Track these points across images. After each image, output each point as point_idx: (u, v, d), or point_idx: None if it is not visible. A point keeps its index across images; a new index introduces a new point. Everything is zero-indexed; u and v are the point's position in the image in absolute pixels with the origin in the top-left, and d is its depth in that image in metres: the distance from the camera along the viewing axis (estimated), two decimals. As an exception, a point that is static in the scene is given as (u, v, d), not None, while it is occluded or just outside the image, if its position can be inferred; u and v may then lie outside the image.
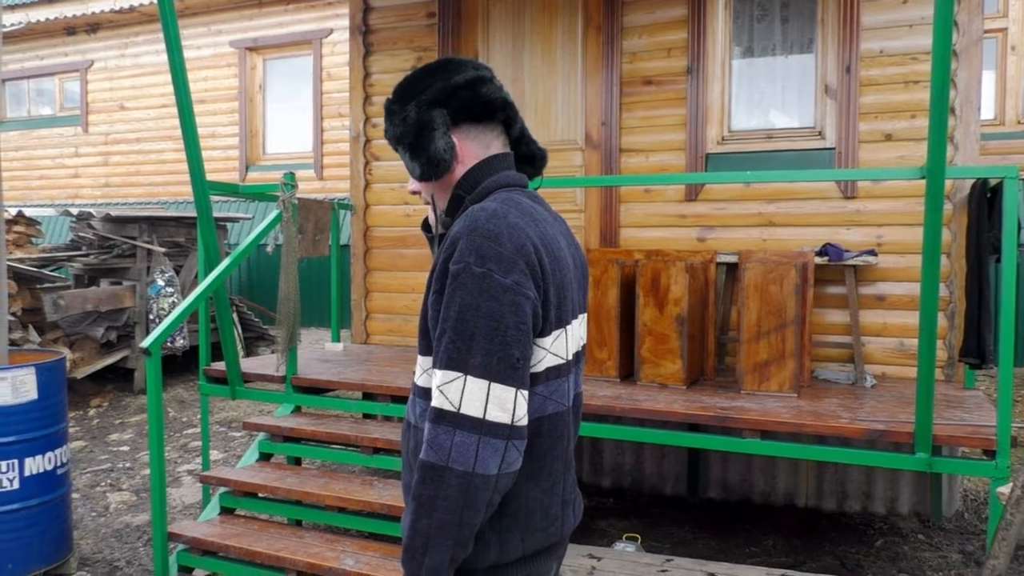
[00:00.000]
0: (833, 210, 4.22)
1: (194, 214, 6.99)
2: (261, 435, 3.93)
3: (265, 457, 3.89)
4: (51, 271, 7.18)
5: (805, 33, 4.37)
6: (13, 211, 7.24)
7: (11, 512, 3.28)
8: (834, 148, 4.21)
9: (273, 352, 7.03)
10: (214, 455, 5.30)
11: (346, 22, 6.74)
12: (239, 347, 6.16)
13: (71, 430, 5.78)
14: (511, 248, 1.20)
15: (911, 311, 4.02)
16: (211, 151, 9.91)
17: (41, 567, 3.40)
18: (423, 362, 1.33)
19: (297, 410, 4.09)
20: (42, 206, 11.07)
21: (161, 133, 10.71)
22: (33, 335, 6.30)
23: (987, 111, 7.29)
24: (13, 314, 6.11)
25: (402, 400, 3.73)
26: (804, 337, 3.71)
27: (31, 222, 7.26)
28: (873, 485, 4.18)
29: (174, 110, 7.74)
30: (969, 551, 3.72)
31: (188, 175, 3.54)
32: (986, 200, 3.47)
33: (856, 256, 3.94)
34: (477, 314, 1.17)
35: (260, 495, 3.61)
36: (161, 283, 6.74)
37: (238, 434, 5.82)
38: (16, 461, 3.29)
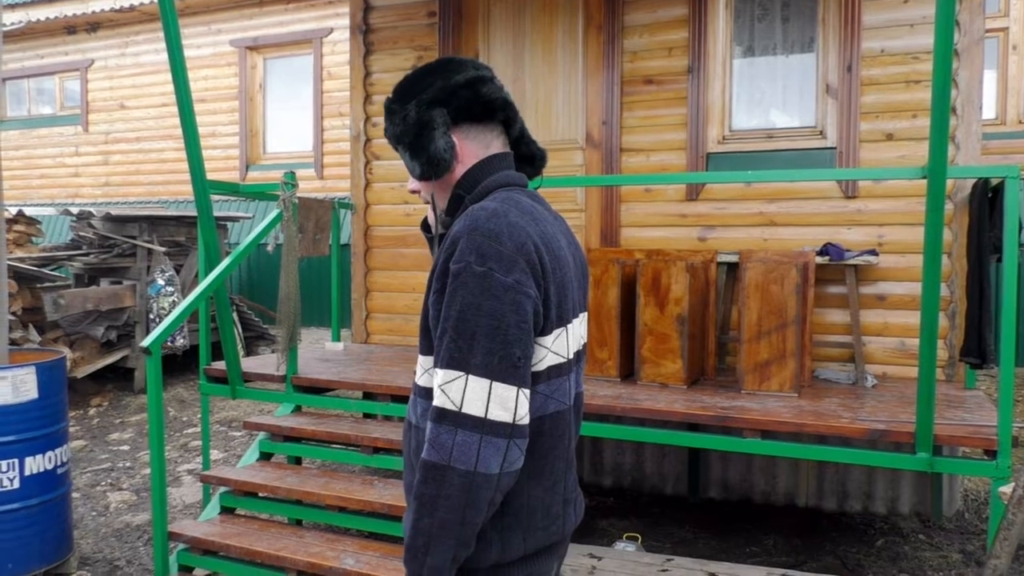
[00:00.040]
0: (834, 210, 4.22)
1: (194, 213, 6.99)
2: (261, 434, 3.92)
3: (265, 456, 3.89)
4: (51, 270, 7.18)
5: (806, 32, 4.37)
6: (13, 210, 7.24)
7: (11, 511, 3.28)
8: (835, 148, 4.21)
9: (273, 351, 7.04)
10: (214, 454, 5.30)
11: (346, 21, 6.74)
12: (239, 346, 6.15)
13: (71, 429, 5.78)
14: (512, 247, 1.20)
15: (912, 311, 4.01)
16: (211, 150, 9.91)
17: (41, 566, 3.40)
18: (424, 362, 1.33)
19: (297, 410, 4.09)
20: (42, 205, 11.07)
21: (161, 132, 10.71)
22: (33, 334, 6.30)
23: (988, 111, 7.29)
24: (13, 313, 6.11)
25: (402, 400, 3.73)
26: (805, 337, 3.70)
27: (31, 221, 7.26)
28: (874, 485, 4.18)
29: (174, 109, 7.72)
30: (970, 551, 3.72)
31: (188, 174, 3.53)
32: (987, 200, 3.47)
33: (857, 256, 3.93)
34: (478, 313, 1.17)
35: (260, 495, 3.60)
36: (161, 282, 6.74)
37: (238, 433, 5.82)
38: (16, 460, 3.29)
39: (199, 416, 6.14)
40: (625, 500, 4.52)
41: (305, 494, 3.41)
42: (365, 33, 5.32)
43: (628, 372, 3.92)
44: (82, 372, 6.54)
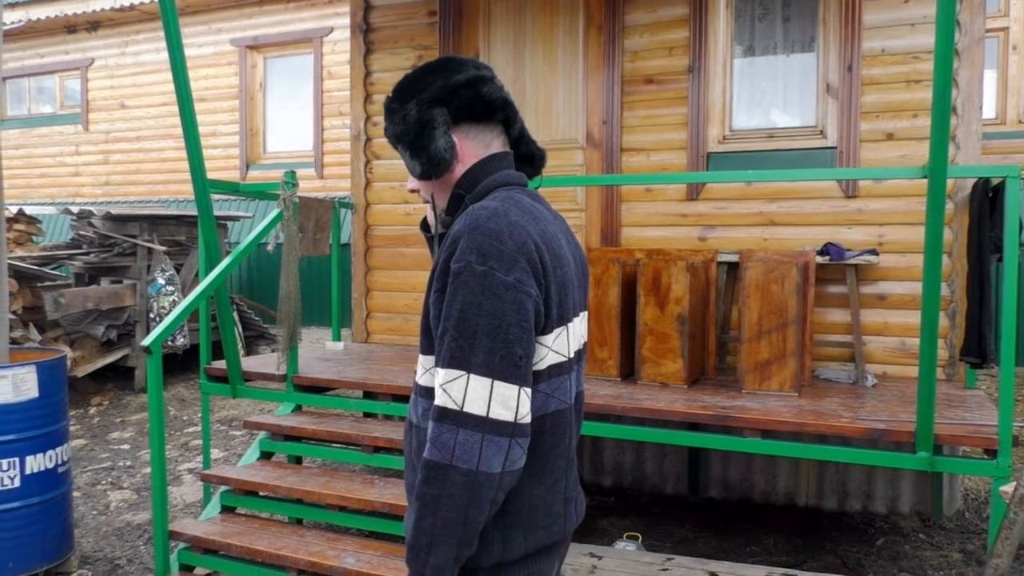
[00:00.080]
0: (834, 209, 4.22)
1: (194, 212, 6.98)
2: (262, 434, 3.93)
3: (266, 456, 3.89)
4: (52, 269, 7.18)
5: (807, 32, 4.37)
6: (14, 209, 7.24)
7: (12, 510, 3.28)
8: (835, 147, 4.21)
9: (274, 351, 7.03)
10: (215, 454, 5.30)
11: (347, 20, 6.74)
12: (240, 346, 6.16)
13: (72, 428, 5.78)
14: (512, 246, 1.20)
15: (912, 310, 4.02)
16: (211, 149, 9.91)
17: (42, 565, 3.40)
18: (424, 361, 1.33)
19: (298, 409, 4.09)
20: (43, 204, 11.07)
21: (161, 131, 10.71)
22: (34, 333, 6.30)
23: (988, 110, 7.28)
24: (14, 312, 6.11)
25: (403, 399, 3.73)
26: (805, 336, 3.70)
27: (32, 220, 7.26)
28: (874, 484, 4.18)
29: (174, 108, 7.71)
30: (970, 550, 3.72)
31: (188, 173, 3.53)
32: (988, 199, 3.47)
33: (857, 255, 3.94)
34: (479, 312, 1.17)
35: (261, 494, 3.61)
36: (162, 282, 6.74)
37: (239, 433, 5.83)
38: (17, 459, 3.30)
39: (199, 415, 6.14)
40: (625, 499, 4.52)
41: (306, 493, 3.41)
42: (365, 32, 5.32)
43: (628, 372, 3.92)
44: (82, 371, 6.54)
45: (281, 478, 3.55)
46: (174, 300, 6.70)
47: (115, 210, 7.04)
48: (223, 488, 3.65)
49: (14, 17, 10.97)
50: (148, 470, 4.95)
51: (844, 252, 3.94)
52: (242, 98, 10.20)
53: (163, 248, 6.99)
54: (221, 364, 3.98)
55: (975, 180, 3.63)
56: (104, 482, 4.84)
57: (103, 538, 3.99)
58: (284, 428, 3.80)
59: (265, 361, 4.49)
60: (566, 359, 1.31)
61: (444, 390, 1.18)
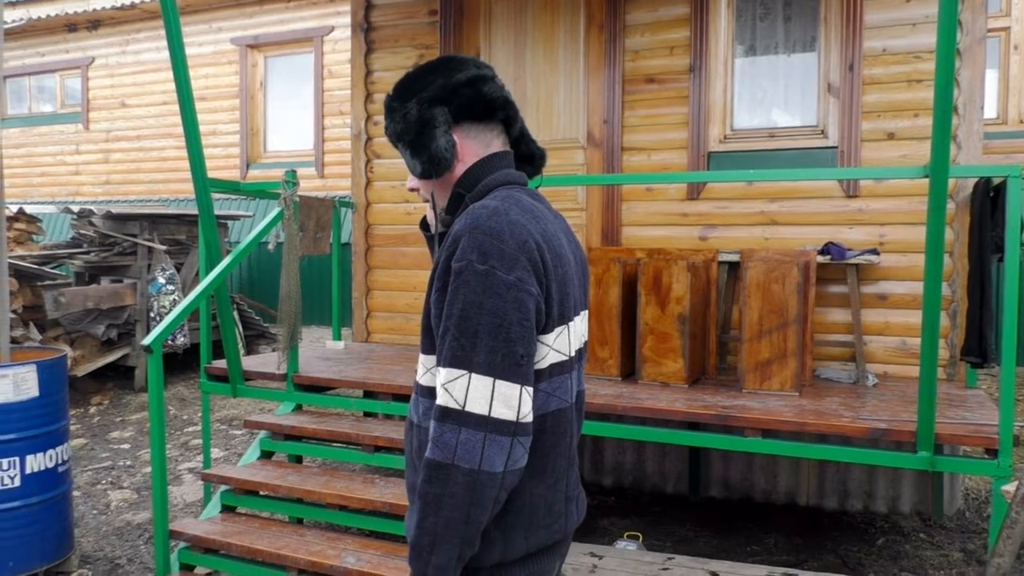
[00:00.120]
0: (835, 209, 4.22)
1: (195, 212, 6.98)
2: (262, 433, 3.93)
3: (266, 455, 3.89)
4: (52, 268, 7.18)
5: (808, 31, 4.36)
6: (14, 208, 7.23)
7: (12, 510, 3.28)
8: (836, 147, 4.21)
9: (274, 350, 7.03)
10: (215, 453, 5.30)
11: (347, 19, 6.74)
12: (240, 345, 6.15)
13: (72, 428, 5.78)
14: (513, 245, 1.20)
15: (913, 310, 4.01)
16: (212, 148, 9.90)
17: (42, 565, 3.40)
18: (425, 360, 1.33)
19: (298, 408, 4.09)
20: (43, 203, 11.07)
21: (162, 130, 10.70)
22: (34, 333, 6.30)
23: (990, 110, 7.28)
24: (14, 311, 6.11)
25: (403, 398, 3.73)
26: (806, 336, 3.70)
27: (32, 219, 7.26)
28: (875, 484, 4.18)
29: (175, 107, 7.70)
30: (971, 550, 3.72)
31: (189, 172, 3.53)
32: (989, 199, 3.47)
33: (858, 255, 3.93)
34: (480, 311, 1.17)
35: (261, 493, 3.61)
36: (162, 281, 6.74)
37: (239, 432, 5.82)
38: (17, 459, 3.29)
39: (200, 415, 6.14)
40: (626, 499, 4.52)
41: (306, 492, 3.41)
42: (366, 31, 5.32)
43: (629, 371, 3.92)
44: (83, 370, 6.54)
45: (281, 477, 3.55)
46: (174, 299, 6.70)
47: (115, 209, 7.04)
48: (223, 487, 3.65)
49: (15, 16, 10.96)
50: (148, 469, 4.95)
51: (845, 252, 3.94)
52: (242, 97, 10.20)
53: (163, 247, 6.99)
54: (221, 363, 3.97)
55: (976, 180, 3.62)
56: (104, 481, 4.84)
57: (103, 537, 3.99)
58: (284, 427, 3.80)
59: (265, 360, 4.48)
60: (567, 358, 1.31)
61: (446, 389, 1.18)
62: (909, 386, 3.73)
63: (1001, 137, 7.16)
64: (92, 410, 6.46)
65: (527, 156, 1.47)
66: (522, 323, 1.19)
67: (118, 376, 7.19)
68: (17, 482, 3.29)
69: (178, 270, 7.16)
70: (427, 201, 1.44)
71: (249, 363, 4.28)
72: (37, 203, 11.03)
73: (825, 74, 4.27)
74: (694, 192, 4.49)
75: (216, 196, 3.73)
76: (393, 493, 3.30)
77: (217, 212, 6.40)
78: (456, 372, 1.18)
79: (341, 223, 5.02)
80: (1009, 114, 7.31)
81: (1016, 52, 7.27)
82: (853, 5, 4.12)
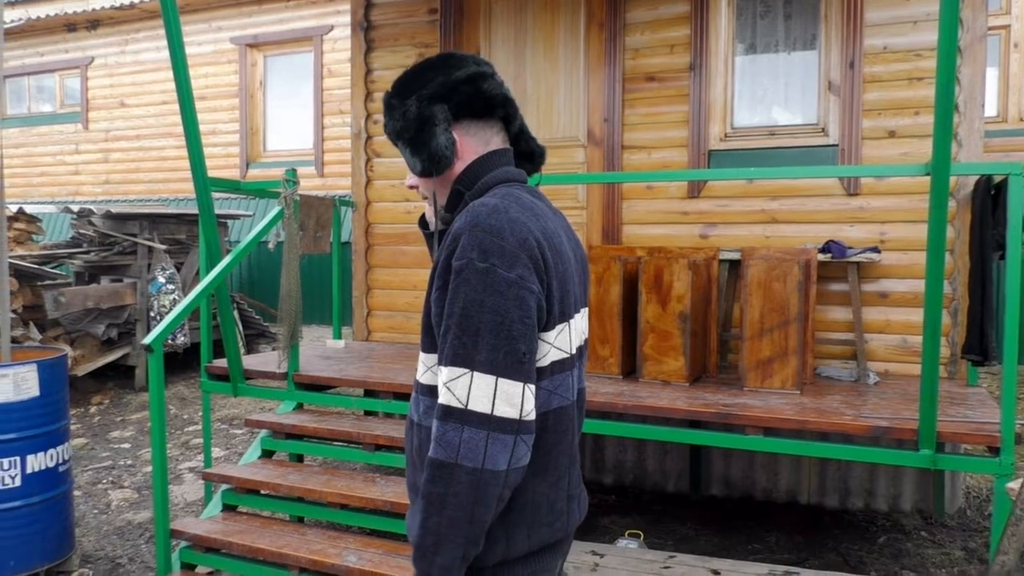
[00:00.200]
0: (836, 207, 4.21)
1: (194, 211, 6.98)
2: (263, 432, 3.92)
3: (267, 454, 3.89)
4: (52, 268, 7.18)
5: (808, 29, 4.36)
6: (14, 208, 7.23)
7: (13, 509, 3.28)
8: (837, 145, 4.20)
9: (274, 349, 7.03)
10: (216, 452, 5.30)
11: (347, 18, 6.73)
12: (240, 344, 6.15)
13: (72, 427, 5.78)
14: (514, 243, 1.19)
15: (914, 308, 4.01)
16: (212, 148, 9.89)
17: (43, 564, 3.40)
18: (426, 359, 1.32)
19: (299, 407, 4.08)
20: (43, 203, 11.06)
21: (161, 130, 10.70)
22: (34, 332, 6.30)
23: (990, 108, 7.27)
24: (14, 311, 6.10)
25: (404, 397, 3.73)
26: (807, 334, 3.70)
27: (32, 219, 7.25)
28: (875, 482, 4.17)
29: (174, 107, 7.69)
30: (972, 548, 3.72)
31: (188, 172, 3.53)
32: (990, 197, 3.46)
33: (859, 253, 3.93)
34: (482, 309, 1.17)
35: (262, 492, 3.60)
36: (162, 280, 6.74)
37: (239, 431, 5.82)
38: (18, 458, 3.29)
39: (200, 414, 6.14)
40: (627, 498, 4.52)
41: (307, 491, 3.41)
42: (366, 30, 5.31)
43: (630, 369, 3.92)
44: (83, 370, 6.54)
45: (282, 476, 3.54)
46: (174, 299, 6.70)
47: (115, 209, 7.04)
48: (224, 486, 3.65)
49: (14, 16, 10.96)
50: (149, 469, 4.95)
51: (846, 250, 3.94)
52: (242, 96, 10.19)
53: (163, 246, 6.98)
54: (222, 362, 3.97)
55: (977, 177, 3.62)
56: (105, 481, 4.84)
57: (104, 537, 3.99)
58: (285, 426, 3.80)
59: (266, 359, 4.48)
60: (568, 356, 1.30)
61: (448, 388, 1.18)
62: (910, 384, 3.73)
63: (1001, 135, 7.15)
64: (92, 410, 6.46)
65: (527, 153, 1.47)
66: (523, 321, 1.19)
67: (118, 376, 7.19)
68: (18, 482, 3.29)
69: (178, 269, 7.15)
70: (426, 199, 1.43)
71: (250, 362, 4.27)
72: (37, 203, 11.02)
73: (826, 72, 4.27)
74: (695, 190, 4.49)
75: (216, 195, 3.72)
76: (394, 492, 3.30)
77: (217, 211, 6.38)
78: (458, 371, 1.17)
79: (341, 222, 5.02)
80: (1009, 112, 7.30)
81: (1016, 50, 7.27)
82: (854, 3, 4.12)
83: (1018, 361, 2.67)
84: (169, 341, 6.49)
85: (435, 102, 1.32)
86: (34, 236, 7.46)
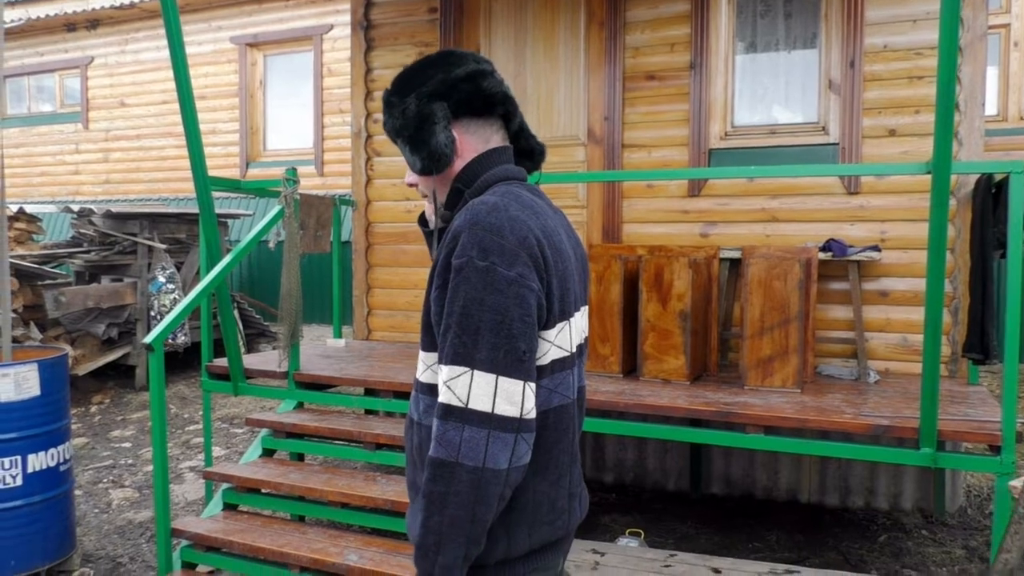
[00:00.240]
0: (837, 206, 4.21)
1: (195, 211, 6.98)
2: (264, 431, 3.92)
3: (268, 453, 3.89)
4: (52, 268, 7.18)
5: (808, 28, 4.35)
6: (14, 208, 7.23)
7: (14, 508, 3.28)
8: (838, 144, 4.20)
9: (274, 348, 7.03)
10: (216, 451, 5.30)
11: (347, 18, 6.73)
12: (241, 343, 6.15)
13: (73, 427, 5.78)
14: (513, 241, 1.19)
15: (914, 307, 4.01)
16: (212, 147, 9.89)
17: (44, 563, 3.40)
18: (425, 358, 1.32)
19: (299, 406, 4.08)
20: (43, 203, 11.06)
21: (161, 129, 10.69)
22: (35, 332, 6.30)
23: (990, 107, 7.27)
24: (15, 311, 6.11)
25: (405, 396, 3.73)
26: (807, 333, 3.70)
27: (32, 219, 7.25)
28: (876, 480, 4.17)
29: (174, 106, 7.69)
30: (973, 546, 3.71)
31: (188, 171, 3.53)
32: (991, 195, 3.46)
33: (860, 252, 3.93)
34: (482, 308, 1.17)
35: (263, 491, 3.60)
36: (162, 280, 6.74)
37: (240, 430, 5.82)
38: (19, 457, 3.29)
39: (200, 413, 6.14)
40: (627, 496, 4.52)
41: (308, 490, 3.41)
42: (366, 29, 5.31)
43: (631, 368, 3.92)
44: (83, 370, 6.54)
45: (283, 475, 3.55)
46: (175, 298, 6.70)
47: (115, 208, 7.03)
48: (225, 486, 3.65)
49: (14, 15, 10.95)
50: (149, 468, 4.95)
51: (846, 248, 3.94)
52: (242, 96, 10.19)
53: (163, 246, 6.98)
54: (222, 362, 3.97)
55: (977, 176, 3.62)
56: (106, 480, 4.84)
57: (105, 536, 3.99)
58: (286, 425, 3.80)
59: (266, 358, 4.48)
60: (568, 354, 1.30)
61: (448, 387, 1.18)
62: (911, 382, 3.72)
63: (1001, 134, 7.15)
64: (93, 409, 6.46)
65: (527, 151, 1.46)
66: (523, 319, 1.18)
67: (119, 375, 7.19)
68: (19, 481, 3.29)
69: (178, 269, 7.15)
70: (426, 197, 1.43)
71: (250, 361, 4.27)
72: (37, 203, 11.02)
73: (826, 70, 4.27)
74: (695, 189, 4.49)
75: (216, 195, 3.72)
76: (395, 490, 3.30)
77: (217, 211, 6.37)
78: (458, 369, 1.17)
79: (341, 221, 5.02)
80: (1009, 111, 7.30)
81: (1016, 49, 7.26)
82: (854, 1, 4.11)
83: (1019, 359, 2.67)
84: (170, 340, 6.49)
85: (435, 100, 1.32)
86: (34, 236, 7.46)
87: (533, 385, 1.20)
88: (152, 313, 6.71)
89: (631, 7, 4.62)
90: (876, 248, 3.98)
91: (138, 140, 10.92)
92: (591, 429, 3.32)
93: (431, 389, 1.29)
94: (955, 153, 3.90)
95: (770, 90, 4.47)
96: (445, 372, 1.19)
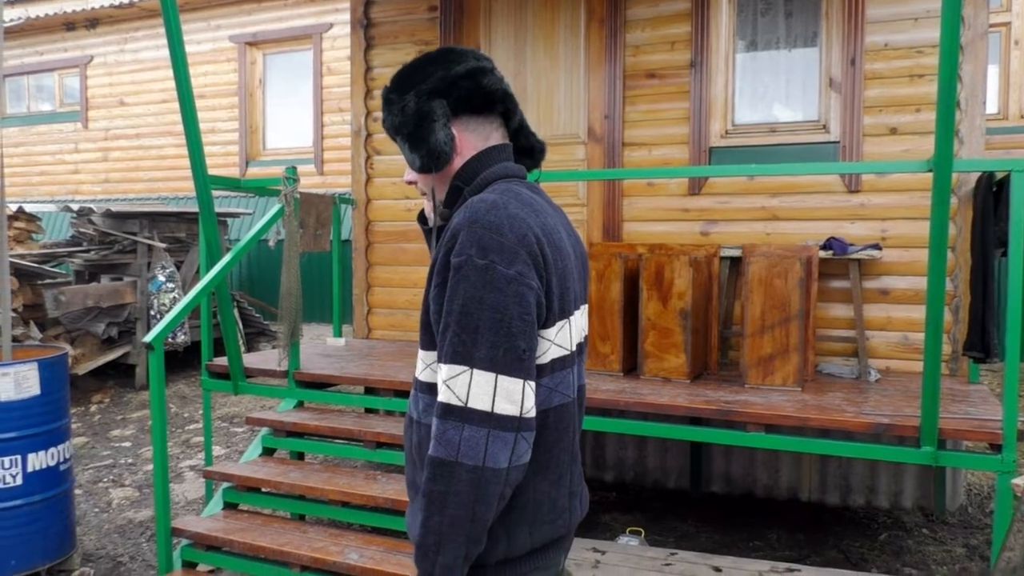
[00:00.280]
0: (837, 204, 4.20)
1: (194, 210, 6.97)
2: (264, 430, 3.92)
3: (268, 452, 3.88)
4: (52, 267, 7.17)
5: (809, 26, 4.35)
6: (13, 207, 7.22)
7: (14, 508, 3.28)
8: (838, 142, 4.19)
9: (274, 347, 7.02)
10: (216, 450, 5.30)
11: (346, 16, 6.72)
12: (241, 342, 6.15)
13: (73, 426, 5.77)
14: (513, 239, 1.18)
15: (915, 305, 4.00)
16: (211, 146, 9.88)
17: (44, 563, 3.40)
18: (425, 356, 1.31)
19: (300, 405, 4.08)
20: (42, 202, 11.05)
21: (161, 128, 10.69)
22: (34, 331, 6.30)
23: (991, 105, 7.26)
24: (14, 310, 6.10)
25: (405, 395, 3.72)
26: (808, 331, 3.69)
27: (32, 218, 7.25)
28: (877, 479, 4.17)
29: (174, 105, 7.68)
30: (973, 545, 3.71)
31: (188, 170, 3.52)
32: (992, 194, 3.45)
33: (860, 250, 3.92)
34: (481, 306, 1.16)
35: (263, 490, 3.60)
36: (162, 279, 6.73)
37: (240, 429, 5.82)
38: (19, 457, 3.29)
39: (200, 412, 6.14)
40: (628, 495, 4.51)
41: (308, 489, 3.40)
42: (366, 28, 5.30)
43: (631, 366, 3.91)
44: (83, 369, 6.54)
45: (283, 474, 3.54)
46: (175, 297, 6.69)
47: (115, 207, 7.03)
48: (225, 485, 3.65)
49: (13, 15, 10.95)
50: (149, 467, 4.95)
51: (847, 247, 3.93)
52: (241, 95, 10.18)
53: (163, 245, 6.98)
54: (222, 361, 3.97)
55: (979, 175, 3.61)
56: (106, 480, 4.84)
57: (105, 536, 3.99)
58: (286, 424, 3.79)
59: (266, 357, 4.48)
60: (568, 352, 1.30)
61: (448, 386, 1.17)
62: (911, 381, 3.72)
63: (1002, 133, 7.14)
64: (93, 408, 6.46)
65: (526, 149, 1.46)
66: (523, 317, 1.18)
67: (119, 374, 7.19)
68: (19, 480, 3.29)
69: (178, 268, 7.15)
70: (425, 195, 1.42)
71: (250, 360, 4.27)
72: (36, 202, 11.01)
73: (827, 69, 4.26)
74: (695, 187, 4.48)
75: (216, 194, 3.71)
76: (395, 489, 3.30)
77: (217, 209, 6.37)
78: (458, 368, 1.16)
79: (341, 220, 5.01)
80: (1010, 109, 7.29)
81: (1017, 47, 7.25)
82: (855, 0, 4.11)
83: (1020, 358, 2.67)
84: (169, 339, 6.49)
85: (434, 97, 1.31)
86: (34, 235, 7.46)
87: (533, 384, 1.20)
88: (152, 312, 6.70)
89: (631, 5, 4.61)
90: (877, 246, 3.97)
91: (137, 139, 10.92)
92: (591, 427, 3.32)
93: (430, 388, 1.28)
94: (956, 151, 3.89)
95: (771, 88, 4.46)
96: (444, 371, 1.18)
